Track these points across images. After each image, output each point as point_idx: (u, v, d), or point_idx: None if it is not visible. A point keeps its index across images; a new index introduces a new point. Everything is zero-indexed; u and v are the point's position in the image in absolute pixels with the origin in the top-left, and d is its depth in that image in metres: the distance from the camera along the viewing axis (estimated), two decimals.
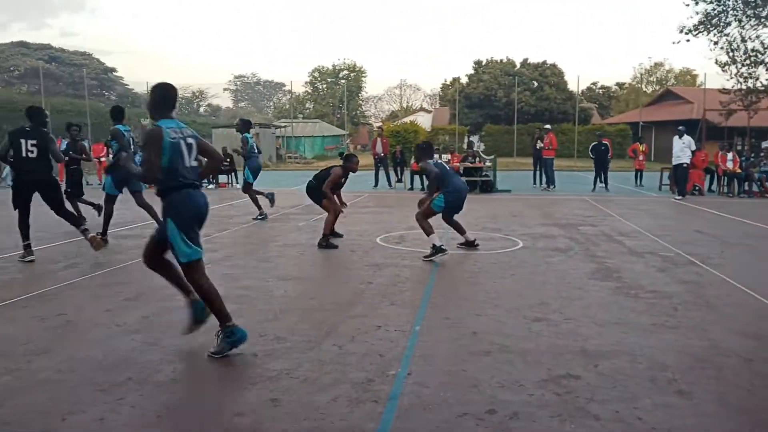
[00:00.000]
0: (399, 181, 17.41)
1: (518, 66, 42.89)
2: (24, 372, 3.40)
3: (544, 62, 42.78)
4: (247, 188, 10.14)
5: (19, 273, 6.02)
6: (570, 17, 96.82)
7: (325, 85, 54.77)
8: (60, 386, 3.21)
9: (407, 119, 37.72)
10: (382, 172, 17.36)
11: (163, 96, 3.77)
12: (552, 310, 4.62)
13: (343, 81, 51.30)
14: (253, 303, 4.83)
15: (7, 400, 3.03)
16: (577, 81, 46.42)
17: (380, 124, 31.95)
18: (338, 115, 48.12)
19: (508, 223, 9.63)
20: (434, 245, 6.46)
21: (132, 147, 8.17)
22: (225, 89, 69.88)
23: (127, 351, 3.71)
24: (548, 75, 41.80)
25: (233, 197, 14.19)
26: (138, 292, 5.17)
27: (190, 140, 3.72)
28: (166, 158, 3.55)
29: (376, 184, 17.21)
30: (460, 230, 7.14)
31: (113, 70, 51.90)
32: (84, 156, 10.07)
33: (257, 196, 10.10)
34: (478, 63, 43.81)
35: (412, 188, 16.56)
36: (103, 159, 18.96)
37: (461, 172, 15.77)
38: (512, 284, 5.52)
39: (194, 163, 3.74)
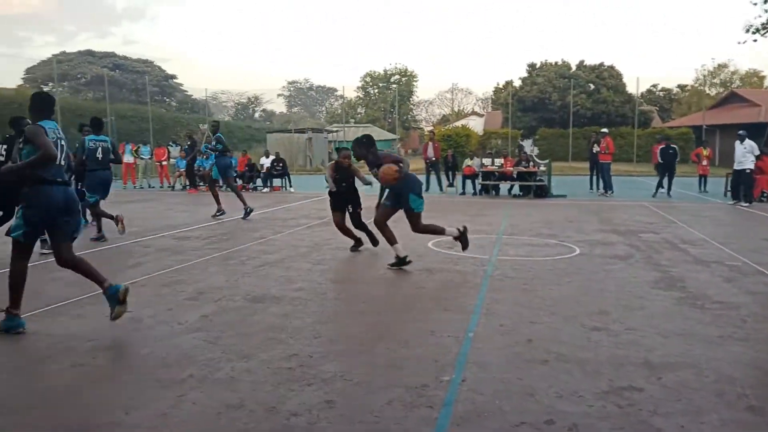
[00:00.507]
0: (450, 185, 17.30)
1: (574, 68, 41.97)
2: (90, 367, 3.55)
3: (601, 64, 41.72)
4: (212, 183, 11.33)
5: None
6: (628, 17, 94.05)
7: (376, 90, 55.13)
8: (124, 381, 3.33)
9: (459, 123, 37.52)
10: (433, 177, 17.31)
11: (41, 102, 4.37)
12: (612, 320, 4.48)
13: (394, 85, 51.53)
14: (307, 305, 4.89)
15: (74, 393, 3.17)
16: (636, 83, 44.88)
17: (431, 128, 31.89)
18: (389, 120, 48.26)
19: (564, 229, 9.41)
20: (398, 256, 6.31)
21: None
22: (279, 95, 71.52)
23: (188, 349, 3.82)
24: (605, 77, 40.72)
25: (287, 200, 14.46)
26: (198, 291, 5.33)
27: (62, 142, 4.31)
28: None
29: (427, 188, 17.15)
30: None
31: (173, 77, 53.86)
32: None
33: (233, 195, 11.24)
34: (531, 66, 43.16)
35: (463, 192, 16.43)
36: (164, 163, 19.71)
37: (514, 176, 15.58)
38: (569, 292, 5.38)
39: (63, 163, 4.28)
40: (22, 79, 47.00)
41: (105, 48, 53.00)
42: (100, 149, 8.22)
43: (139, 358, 3.69)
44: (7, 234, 4.27)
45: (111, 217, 8.31)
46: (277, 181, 18.39)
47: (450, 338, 4.04)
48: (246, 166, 18.83)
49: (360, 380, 3.31)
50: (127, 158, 19.60)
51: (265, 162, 18.85)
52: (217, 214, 10.64)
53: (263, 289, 5.40)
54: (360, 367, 3.50)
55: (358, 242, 7.51)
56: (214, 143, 11.09)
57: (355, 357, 3.68)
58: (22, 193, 4.17)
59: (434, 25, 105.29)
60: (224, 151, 10.95)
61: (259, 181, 18.64)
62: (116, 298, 4.13)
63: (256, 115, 65.19)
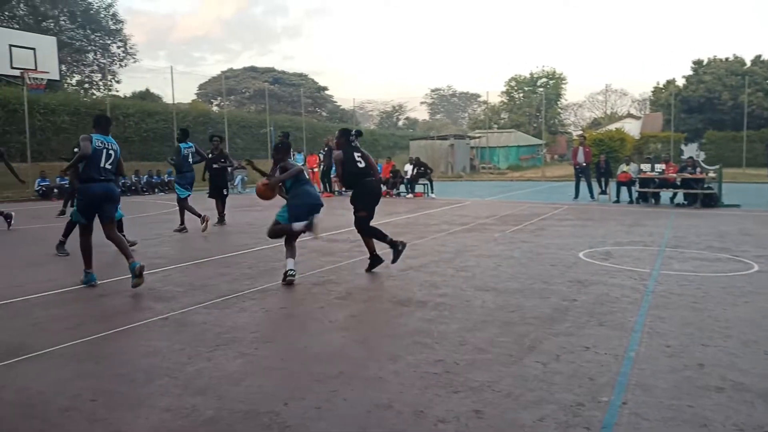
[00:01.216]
0: (603, 192, 16.27)
1: (748, 64, 37.62)
2: (253, 357, 3.81)
3: None
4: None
5: (247, 269, 6.83)
6: None
7: (521, 94, 53.72)
8: (282, 373, 3.53)
9: (612, 126, 35.33)
10: (583, 183, 16.42)
11: (100, 121, 5.96)
12: None
13: (540, 89, 49.86)
14: (452, 311, 4.84)
15: (240, 381, 3.41)
16: None
17: (581, 132, 30.35)
18: (535, 125, 46.76)
19: (739, 242, 8.39)
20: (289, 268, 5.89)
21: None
22: (422, 102, 72.61)
23: (339, 346, 3.96)
24: None
25: (429, 206, 14.57)
26: (347, 291, 5.53)
27: (111, 151, 5.79)
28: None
29: (577, 196, 16.31)
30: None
31: (324, 88, 56.91)
32: (228, 162, 11.65)
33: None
34: (698, 63, 39.45)
35: (617, 201, 15.35)
36: (316, 170, 20.89)
37: (678, 183, 14.24)
38: (747, 313, 4.77)
39: (109, 167, 5.74)
40: (195, 94, 52.63)
41: (266, 64, 57.32)
42: (189, 155, 10.11)
43: (294, 352, 3.89)
44: (71, 220, 6.22)
45: (198, 215, 9.70)
46: (419, 188, 18.64)
47: (607, 356, 3.76)
48: (390, 172, 19.32)
49: (509, 392, 3.19)
50: None
51: (409, 169, 19.21)
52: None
53: (408, 293, 5.46)
54: (509, 379, 3.38)
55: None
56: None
57: (503, 367, 3.57)
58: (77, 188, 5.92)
59: (585, 25, 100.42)
60: None
61: (402, 188, 19.04)
62: (134, 272, 5.39)
63: (400, 123, 66.74)
